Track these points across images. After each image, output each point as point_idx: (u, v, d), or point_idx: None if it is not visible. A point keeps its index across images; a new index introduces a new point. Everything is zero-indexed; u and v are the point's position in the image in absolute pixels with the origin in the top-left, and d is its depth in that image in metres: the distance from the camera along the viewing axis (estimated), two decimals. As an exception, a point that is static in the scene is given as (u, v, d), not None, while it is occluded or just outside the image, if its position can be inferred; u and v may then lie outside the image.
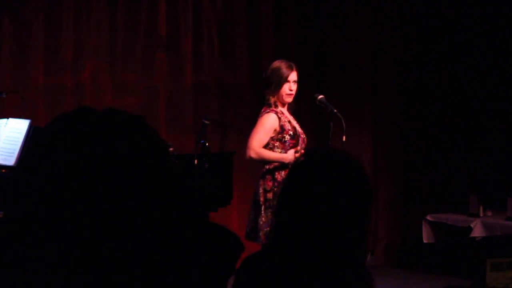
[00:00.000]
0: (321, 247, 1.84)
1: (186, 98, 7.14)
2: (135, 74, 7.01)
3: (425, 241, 6.79)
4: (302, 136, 5.18)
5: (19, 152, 4.78)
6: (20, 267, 1.08)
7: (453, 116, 7.49)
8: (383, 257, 7.60)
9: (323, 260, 1.84)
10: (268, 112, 5.07)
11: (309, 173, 1.90)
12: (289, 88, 5.09)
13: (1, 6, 6.67)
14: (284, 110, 5.17)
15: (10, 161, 4.77)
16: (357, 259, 1.89)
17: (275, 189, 4.98)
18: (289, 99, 5.12)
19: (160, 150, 1.13)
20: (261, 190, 5.04)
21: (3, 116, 5.08)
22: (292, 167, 2.03)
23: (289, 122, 5.13)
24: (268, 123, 5.06)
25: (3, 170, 4.73)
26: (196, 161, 5.26)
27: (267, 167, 5.09)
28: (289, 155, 5.01)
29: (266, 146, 5.09)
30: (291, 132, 5.08)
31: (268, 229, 4.94)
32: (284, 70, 5.09)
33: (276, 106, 5.09)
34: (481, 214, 6.52)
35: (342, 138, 5.07)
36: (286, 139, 5.07)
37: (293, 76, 5.10)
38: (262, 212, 4.99)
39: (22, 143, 4.80)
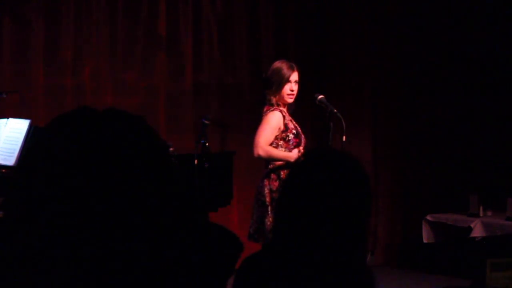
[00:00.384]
0: (321, 247, 1.84)
1: (186, 98, 7.14)
2: (135, 74, 7.01)
3: (425, 241, 6.79)
4: (303, 136, 5.19)
5: (19, 152, 4.78)
6: (20, 267, 1.08)
7: (453, 116, 7.49)
8: (383, 257, 7.60)
9: (323, 260, 1.84)
10: (272, 111, 5.07)
11: (309, 173, 1.90)
12: (290, 89, 5.09)
13: (2, 6, 6.67)
14: (285, 110, 5.17)
15: (10, 161, 4.77)
16: (357, 259, 1.89)
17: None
18: (291, 99, 5.12)
19: (160, 150, 1.13)
20: (266, 191, 5.02)
21: (3, 116, 5.08)
22: (292, 167, 2.03)
23: (291, 121, 5.15)
24: (274, 121, 5.06)
25: (3, 170, 4.73)
26: (196, 161, 5.26)
27: (270, 166, 5.09)
28: (294, 154, 5.01)
29: (270, 145, 5.09)
30: (294, 131, 5.10)
31: None
32: (285, 70, 5.10)
33: (278, 106, 5.10)
34: (481, 214, 6.52)
35: (342, 138, 5.07)
36: (290, 138, 5.07)
37: (294, 76, 5.11)
38: (269, 212, 4.97)
39: (22, 143, 4.80)
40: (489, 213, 6.57)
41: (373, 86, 7.65)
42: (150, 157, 1.11)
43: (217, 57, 7.23)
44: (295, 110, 5.27)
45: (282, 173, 5.01)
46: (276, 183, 5.01)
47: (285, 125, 5.08)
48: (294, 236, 1.86)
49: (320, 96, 5.24)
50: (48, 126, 1.12)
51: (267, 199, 4.99)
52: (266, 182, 5.05)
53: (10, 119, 4.96)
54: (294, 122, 5.18)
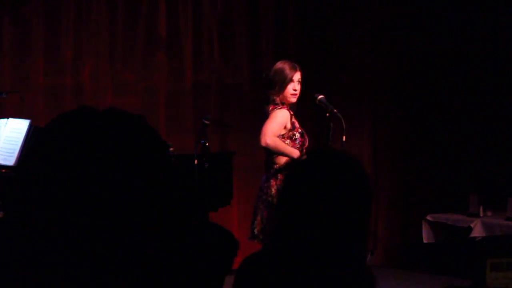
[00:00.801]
0: (321, 246, 1.84)
1: (186, 98, 7.14)
2: (135, 74, 7.01)
3: (425, 241, 6.79)
4: (306, 136, 5.19)
5: (19, 152, 4.78)
6: (20, 267, 1.08)
7: (453, 116, 7.49)
8: (383, 257, 7.60)
9: (323, 260, 1.84)
10: (280, 108, 5.07)
11: (309, 173, 1.90)
12: (293, 88, 5.09)
13: (1, 6, 6.67)
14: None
15: (10, 161, 4.77)
16: (357, 259, 1.89)
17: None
18: (294, 99, 5.12)
19: (161, 150, 1.13)
20: (274, 191, 4.99)
21: (3, 116, 5.08)
22: (292, 167, 2.03)
23: (297, 121, 5.15)
24: (282, 118, 5.04)
25: (3, 170, 4.73)
26: (196, 161, 5.26)
27: (276, 166, 5.07)
28: (298, 152, 5.01)
29: None
30: (300, 130, 5.10)
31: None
32: (288, 70, 5.10)
33: (283, 105, 5.10)
34: (481, 214, 6.52)
35: (342, 138, 5.07)
36: (296, 137, 5.07)
37: (297, 76, 5.11)
38: None
39: (22, 143, 4.80)
40: (489, 213, 6.57)
41: (373, 86, 7.65)
42: (150, 157, 1.11)
43: (217, 57, 7.23)
44: (295, 110, 5.26)
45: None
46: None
47: (292, 123, 5.08)
48: (294, 236, 1.86)
49: (320, 96, 5.24)
50: (48, 126, 1.12)
51: (275, 199, 4.97)
52: (273, 182, 5.02)
53: (10, 119, 4.96)
54: (298, 122, 5.18)
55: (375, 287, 1.93)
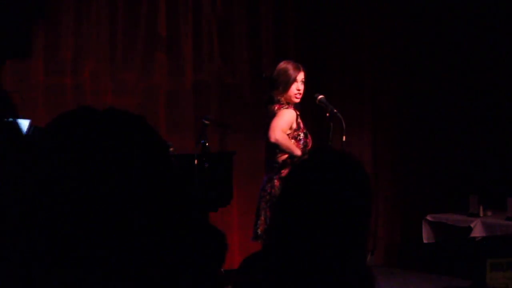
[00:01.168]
0: (321, 246, 1.84)
1: (186, 98, 7.14)
2: (135, 74, 7.00)
3: (425, 241, 6.79)
4: (310, 136, 5.19)
5: (19, 152, 4.77)
6: (20, 267, 1.08)
7: (453, 116, 7.49)
8: (383, 257, 7.60)
9: (323, 260, 1.84)
10: (287, 108, 5.07)
11: (309, 172, 1.90)
12: (297, 88, 5.10)
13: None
14: None
15: (10, 161, 4.77)
16: (357, 259, 1.89)
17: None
18: (297, 99, 5.12)
19: (161, 150, 1.13)
20: (278, 191, 4.98)
21: (3, 116, 5.07)
22: (292, 167, 2.03)
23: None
24: (289, 117, 5.05)
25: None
26: (196, 161, 5.26)
27: (278, 166, 5.07)
28: (300, 151, 5.02)
29: None
30: (305, 131, 5.10)
31: None
32: (292, 71, 5.11)
33: (287, 105, 5.10)
34: (481, 214, 6.52)
35: (342, 138, 5.07)
36: (301, 137, 5.08)
37: (301, 76, 5.12)
38: None
39: (22, 143, 4.80)
40: (489, 213, 6.57)
41: (373, 86, 7.65)
42: (151, 157, 1.11)
43: (217, 57, 7.23)
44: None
45: None
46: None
47: (298, 124, 5.09)
48: (294, 236, 1.86)
49: (320, 96, 5.24)
50: (48, 126, 1.12)
51: None
52: (276, 182, 5.01)
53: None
54: (302, 122, 5.18)
55: (375, 287, 1.93)
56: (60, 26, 6.79)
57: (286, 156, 5.03)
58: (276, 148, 5.02)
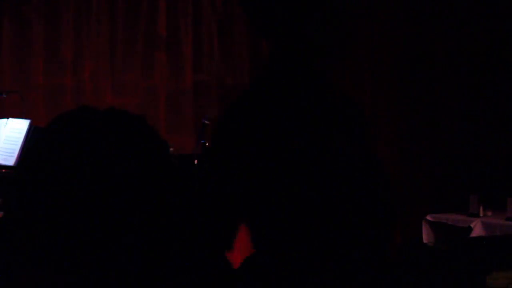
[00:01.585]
0: (320, 247, 1.83)
1: (186, 98, 7.14)
2: (135, 74, 7.00)
3: (425, 241, 6.79)
4: None
5: (19, 152, 4.78)
6: (20, 267, 1.08)
7: (453, 115, 7.49)
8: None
9: (323, 260, 1.83)
10: None
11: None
12: None
13: (1, 6, 6.67)
14: None
15: (10, 161, 4.77)
16: (357, 259, 1.89)
17: None
18: None
19: (161, 150, 1.13)
20: None
21: (3, 116, 5.08)
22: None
23: None
24: None
25: (3, 170, 4.73)
26: (196, 161, 5.26)
27: None
28: None
29: None
30: None
31: None
32: None
33: None
34: (481, 214, 6.52)
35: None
36: None
37: None
38: None
39: (22, 143, 4.80)
40: (489, 213, 6.57)
41: (373, 86, 7.65)
42: (151, 157, 1.11)
43: (217, 57, 7.23)
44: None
45: None
46: None
47: None
48: (294, 236, 1.86)
49: (320, 96, 5.23)
50: (48, 126, 1.12)
51: None
52: None
53: (10, 119, 4.96)
54: None
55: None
56: (60, 26, 6.79)
57: None
58: None
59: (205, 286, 1.26)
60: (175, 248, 1.14)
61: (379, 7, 7.59)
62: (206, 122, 5.45)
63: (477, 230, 6.37)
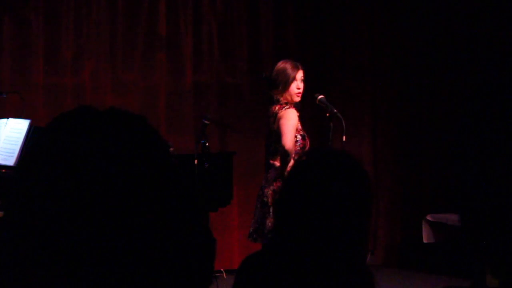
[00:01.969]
0: (321, 247, 1.84)
1: (186, 98, 7.14)
2: (135, 74, 7.01)
3: (425, 241, 6.79)
4: (308, 139, 5.15)
5: (19, 152, 4.78)
6: (20, 267, 1.08)
7: (453, 115, 7.49)
8: (383, 257, 7.60)
9: (323, 260, 1.84)
10: (288, 108, 5.04)
11: (309, 172, 1.90)
12: (297, 87, 5.07)
13: (1, 6, 6.67)
14: None
15: (10, 161, 4.77)
16: (357, 259, 1.89)
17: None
18: (298, 98, 5.10)
19: (161, 150, 1.13)
20: (270, 191, 4.99)
21: (3, 116, 5.08)
22: (292, 167, 2.03)
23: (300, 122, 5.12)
24: (295, 119, 5.02)
25: (3, 170, 4.73)
26: (196, 161, 5.26)
27: (274, 168, 5.06)
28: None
29: None
30: (302, 133, 5.07)
31: None
32: (291, 70, 5.09)
33: (287, 104, 5.07)
34: (481, 214, 6.51)
35: (342, 138, 5.07)
36: (298, 139, 5.04)
37: (300, 74, 5.10)
38: (271, 213, 4.96)
39: (22, 143, 4.80)
40: (489, 213, 6.57)
41: (373, 86, 7.65)
42: (151, 157, 1.11)
43: (217, 57, 7.23)
44: (298, 110, 5.24)
45: (286, 173, 4.97)
46: (280, 184, 4.98)
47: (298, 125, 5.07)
48: (294, 236, 1.86)
49: (320, 96, 5.23)
50: (48, 126, 1.12)
51: (269, 199, 4.98)
52: (269, 183, 5.02)
53: (10, 119, 4.97)
54: (301, 124, 5.14)
55: (375, 286, 1.93)
56: (60, 26, 6.79)
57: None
58: (285, 155, 4.98)
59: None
60: (175, 248, 1.14)
61: (380, 8, 7.60)
62: (206, 122, 5.45)
63: (477, 230, 6.37)
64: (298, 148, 5.03)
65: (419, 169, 7.58)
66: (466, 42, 7.45)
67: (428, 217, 6.80)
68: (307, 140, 5.11)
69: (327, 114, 5.17)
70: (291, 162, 4.95)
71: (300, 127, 5.08)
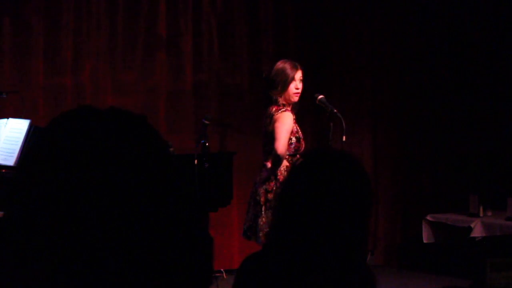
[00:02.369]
0: (321, 247, 1.84)
1: (186, 98, 7.14)
2: (135, 74, 7.01)
3: (425, 241, 6.79)
4: (303, 141, 5.14)
5: (19, 152, 4.78)
6: (20, 267, 1.08)
7: (453, 116, 7.49)
8: (383, 257, 7.60)
9: (323, 260, 1.84)
10: (284, 111, 5.03)
11: (308, 173, 1.90)
12: (296, 87, 5.07)
13: (2, 6, 6.67)
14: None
15: (10, 161, 4.77)
16: (357, 259, 1.89)
17: (277, 189, 4.94)
18: (297, 98, 5.09)
19: (162, 150, 1.13)
20: (262, 190, 5.00)
21: (3, 116, 5.08)
22: (291, 167, 2.03)
23: (296, 124, 5.10)
24: (290, 123, 5.00)
25: (3, 170, 4.73)
26: (196, 161, 5.26)
27: (265, 168, 5.07)
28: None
29: None
30: (297, 135, 5.05)
31: (268, 229, 4.90)
32: (289, 70, 5.08)
33: (284, 106, 5.07)
34: (481, 214, 6.52)
35: (342, 138, 5.07)
36: (292, 141, 5.03)
37: (298, 74, 5.10)
38: (263, 212, 4.96)
39: (22, 143, 4.80)
40: (489, 213, 6.57)
41: (373, 85, 7.65)
42: (152, 157, 1.11)
43: (217, 57, 7.23)
44: (297, 110, 5.23)
45: (279, 174, 4.98)
46: (272, 184, 4.99)
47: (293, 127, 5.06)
48: (294, 236, 1.86)
49: (320, 96, 5.23)
50: (49, 125, 1.12)
51: (262, 198, 4.99)
52: (263, 182, 5.03)
53: (10, 119, 4.97)
54: (297, 126, 5.13)
55: (375, 287, 1.93)
56: (60, 26, 6.79)
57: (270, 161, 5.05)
58: (276, 159, 4.98)
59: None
60: (175, 248, 1.14)
61: (380, 8, 7.60)
62: (206, 122, 5.45)
63: (477, 230, 6.38)
64: (293, 150, 5.01)
65: (419, 169, 7.58)
66: (466, 42, 7.45)
67: (428, 217, 6.80)
68: (303, 143, 5.09)
69: (327, 114, 5.17)
70: (283, 163, 4.96)
71: (296, 129, 5.05)
